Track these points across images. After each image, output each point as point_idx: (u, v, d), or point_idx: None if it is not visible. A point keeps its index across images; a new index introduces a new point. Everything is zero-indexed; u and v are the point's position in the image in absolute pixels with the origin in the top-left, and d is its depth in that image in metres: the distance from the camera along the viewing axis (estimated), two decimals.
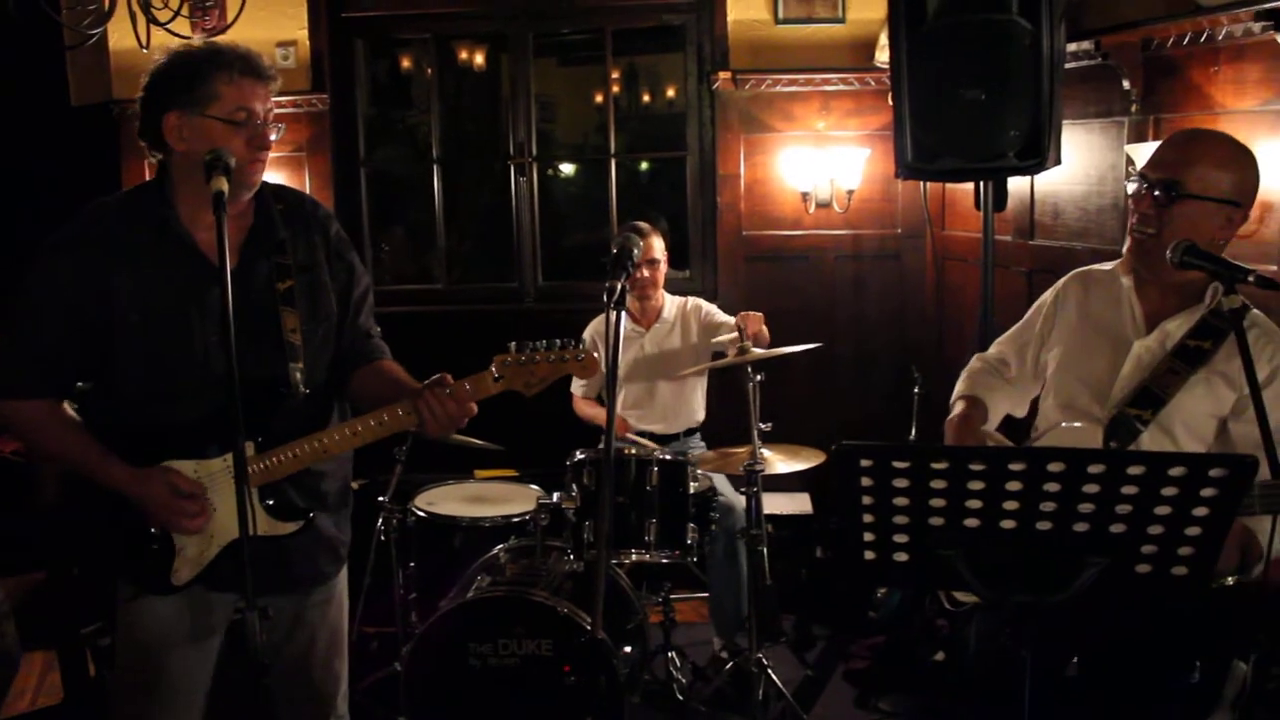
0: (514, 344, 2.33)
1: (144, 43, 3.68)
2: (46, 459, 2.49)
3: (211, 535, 2.34)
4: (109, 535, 2.38)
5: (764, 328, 4.05)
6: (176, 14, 3.65)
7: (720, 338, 4.33)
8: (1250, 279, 2.09)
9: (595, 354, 2.39)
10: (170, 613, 2.38)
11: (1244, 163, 2.37)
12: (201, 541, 2.34)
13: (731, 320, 4.20)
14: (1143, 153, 3.15)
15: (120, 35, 4.79)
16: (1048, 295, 2.68)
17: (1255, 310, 2.30)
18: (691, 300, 4.62)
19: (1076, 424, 2.44)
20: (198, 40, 2.35)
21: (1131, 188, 2.41)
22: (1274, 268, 3.22)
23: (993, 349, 2.81)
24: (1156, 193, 2.33)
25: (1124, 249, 2.49)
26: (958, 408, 2.68)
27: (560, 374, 2.36)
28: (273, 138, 2.31)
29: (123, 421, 2.32)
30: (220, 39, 2.34)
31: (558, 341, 2.34)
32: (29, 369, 2.29)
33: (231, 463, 2.26)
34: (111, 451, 2.29)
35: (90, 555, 2.48)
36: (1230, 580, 2.21)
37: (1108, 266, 2.57)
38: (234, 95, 2.24)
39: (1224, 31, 3.36)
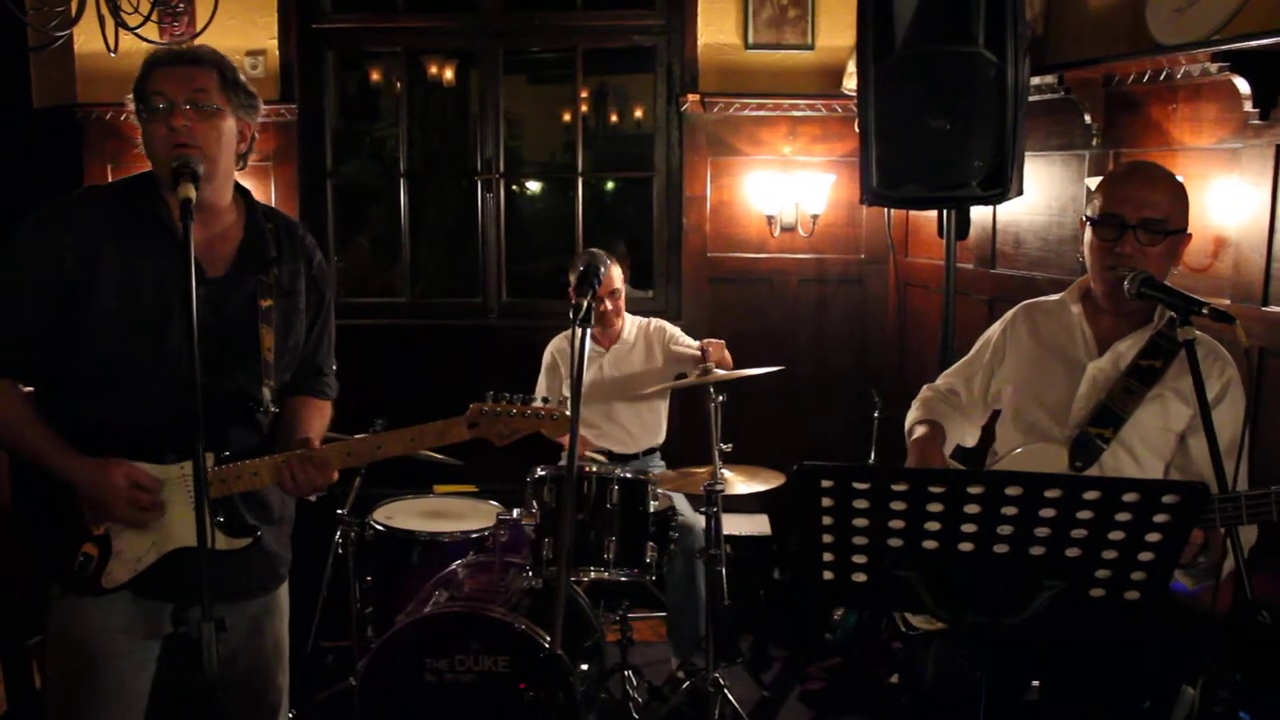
0: (491, 393, 2.32)
1: (112, 47, 3.65)
2: None
3: (153, 541, 2.29)
4: (44, 530, 2.32)
5: (727, 354, 4.08)
6: (146, 19, 3.63)
7: (680, 348, 4.35)
8: (1204, 311, 2.14)
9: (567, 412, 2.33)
10: (101, 618, 2.32)
11: (1185, 191, 2.44)
12: (141, 545, 2.28)
13: (695, 344, 4.22)
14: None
15: (86, 38, 4.75)
16: (994, 328, 2.75)
17: (1197, 331, 2.35)
18: (655, 322, 4.60)
19: (1043, 444, 2.47)
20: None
21: (1102, 229, 2.41)
22: (1227, 301, 3.28)
23: (940, 380, 2.86)
24: (1139, 233, 2.36)
25: (1085, 283, 2.53)
26: (918, 430, 2.72)
27: (533, 430, 2.34)
28: (191, 112, 2.19)
29: (78, 418, 2.25)
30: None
31: (534, 398, 2.34)
32: None
33: (189, 472, 2.24)
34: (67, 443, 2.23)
35: (30, 553, 2.40)
36: (1202, 559, 2.21)
37: (1054, 298, 2.64)
38: (153, 84, 2.21)
39: (1182, 70, 3.44)
